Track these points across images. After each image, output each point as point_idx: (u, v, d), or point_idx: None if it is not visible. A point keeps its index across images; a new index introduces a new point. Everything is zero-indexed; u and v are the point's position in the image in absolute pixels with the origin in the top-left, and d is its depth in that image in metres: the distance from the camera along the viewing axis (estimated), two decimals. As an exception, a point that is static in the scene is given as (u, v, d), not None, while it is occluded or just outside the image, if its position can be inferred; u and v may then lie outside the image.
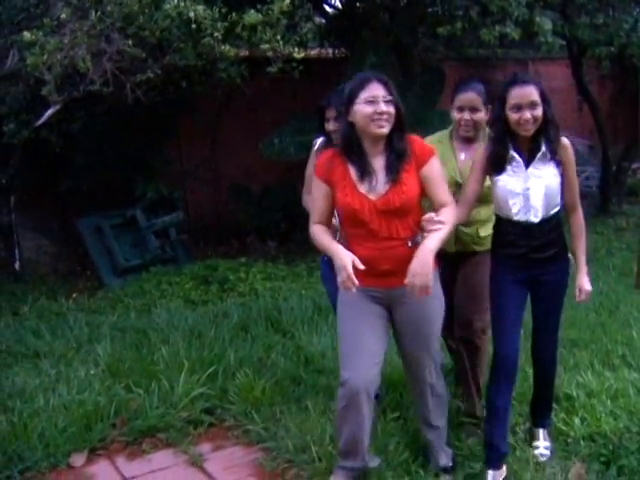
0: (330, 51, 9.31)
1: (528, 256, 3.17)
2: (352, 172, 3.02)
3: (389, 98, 2.93)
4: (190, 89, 6.71)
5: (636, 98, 7.09)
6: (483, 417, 3.45)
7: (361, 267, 2.87)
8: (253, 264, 7.34)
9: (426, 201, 3.11)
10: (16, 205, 7.60)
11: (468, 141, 3.53)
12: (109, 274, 7.53)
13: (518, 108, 3.01)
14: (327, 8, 8.92)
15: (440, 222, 2.89)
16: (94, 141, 7.66)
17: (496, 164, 3.14)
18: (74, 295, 6.97)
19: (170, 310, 6.00)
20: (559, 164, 3.11)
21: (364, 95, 2.92)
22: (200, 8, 5.36)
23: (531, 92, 3.02)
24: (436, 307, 3.13)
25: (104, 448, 3.80)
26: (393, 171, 2.96)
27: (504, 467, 3.20)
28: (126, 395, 4.14)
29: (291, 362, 4.59)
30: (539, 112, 3.02)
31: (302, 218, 3.63)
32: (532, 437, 3.49)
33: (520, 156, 3.12)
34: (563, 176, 3.14)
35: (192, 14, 5.34)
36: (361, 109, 2.92)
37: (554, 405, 3.69)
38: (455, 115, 3.48)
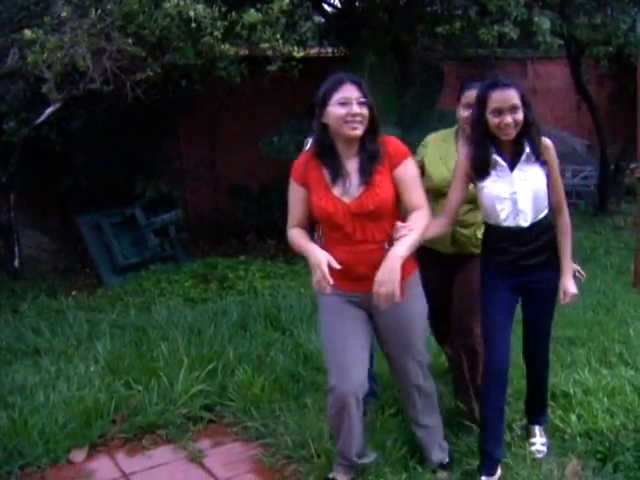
0: (329, 50, 9.34)
1: (518, 263, 3.13)
2: (326, 175, 2.99)
3: (362, 100, 2.89)
4: (190, 88, 6.73)
5: (634, 98, 7.12)
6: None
7: (337, 266, 2.84)
8: (252, 262, 7.36)
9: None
10: (16, 203, 7.62)
11: None
12: (108, 272, 7.56)
13: (499, 112, 2.95)
14: (326, 7, 8.94)
15: (409, 228, 2.86)
16: (94, 139, 7.68)
17: (479, 169, 3.07)
18: (74, 293, 7.00)
19: (169, 308, 6.02)
20: (544, 165, 3.06)
21: (337, 97, 2.88)
22: (200, 7, 5.38)
23: (512, 96, 2.95)
24: (417, 310, 3.10)
25: (104, 444, 3.82)
26: (366, 173, 2.93)
27: (498, 472, 3.20)
28: (126, 392, 4.16)
29: (290, 359, 4.61)
30: (520, 116, 2.97)
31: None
32: (528, 434, 3.51)
33: (504, 160, 3.06)
34: (548, 177, 3.09)
35: (192, 13, 5.36)
36: (334, 111, 2.89)
37: (551, 402, 3.72)
38: (461, 113, 3.41)
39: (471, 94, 3.32)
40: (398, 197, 3.00)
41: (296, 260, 7.50)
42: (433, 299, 3.44)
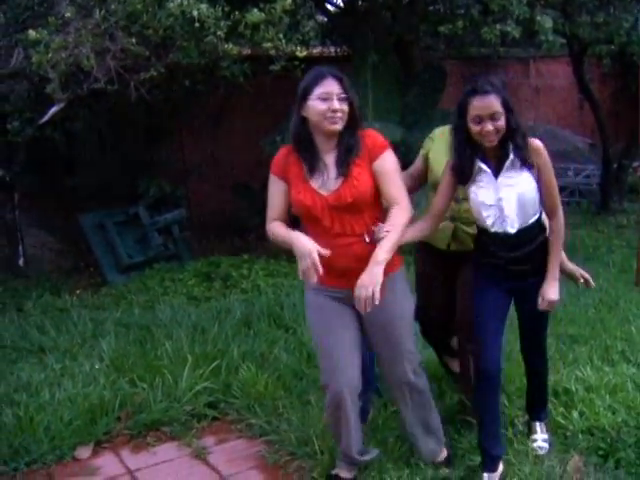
0: (332, 49, 9.35)
1: (507, 268, 3.09)
2: (304, 168, 2.98)
3: (343, 95, 2.88)
4: (193, 87, 6.76)
5: (637, 96, 7.13)
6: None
7: (326, 253, 2.81)
8: (255, 261, 7.38)
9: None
10: (20, 202, 7.68)
11: None
12: (112, 271, 7.58)
13: (479, 120, 2.88)
14: (329, 7, 8.95)
15: (388, 230, 2.85)
16: (97, 139, 7.71)
17: (461, 175, 3.03)
18: (78, 291, 7.03)
19: (173, 306, 6.04)
20: (532, 168, 2.97)
21: (318, 91, 2.87)
22: (203, 7, 5.39)
23: (492, 103, 2.86)
24: (403, 305, 3.08)
25: (109, 441, 3.86)
26: (343, 165, 2.91)
27: (500, 467, 3.20)
28: (130, 389, 4.19)
29: (293, 357, 4.63)
30: (502, 123, 2.88)
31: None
32: (530, 430, 3.52)
33: (488, 166, 3.00)
34: (539, 181, 2.99)
35: (195, 13, 5.37)
36: (315, 105, 2.87)
37: (553, 399, 3.74)
38: None
39: None
40: (378, 190, 2.97)
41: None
42: (435, 297, 3.46)
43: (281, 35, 5.69)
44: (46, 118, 6.48)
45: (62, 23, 5.65)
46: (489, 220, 3.04)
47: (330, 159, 2.96)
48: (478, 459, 3.26)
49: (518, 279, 3.12)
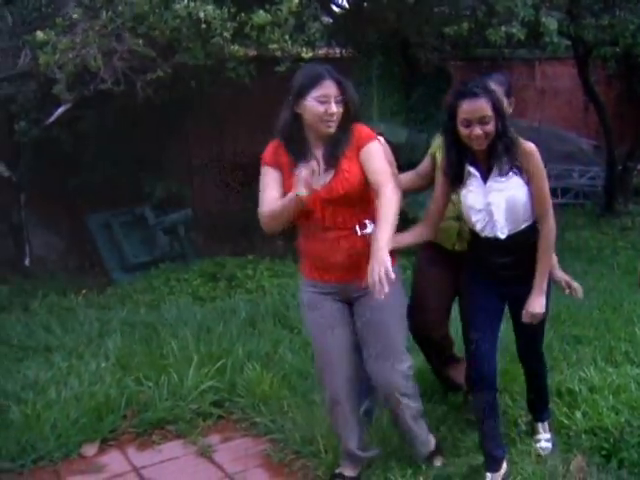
0: (338, 51, 9.36)
1: (499, 273, 3.04)
2: (295, 162, 2.95)
3: (340, 98, 2.88)
4: (199, 88, 6.79)
5: (642, 98, 7.18)
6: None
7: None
8: (260, 261, 7.39)
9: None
10: (26, 203, 7.71)
11: None
12: (118, 271, 7.63)
13: (468, 123, 2.83)
14: (334, 8, 8.96)
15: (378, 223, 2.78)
16: (104, 139, 7.74)
17: (452, 178, 3.00)
18: (83, 291, 7.05)
19: (179, 306, 6.07)
20: (522, 173, 2.90)
21: (316, 93, 2.86)
22: (210, 8, 5.43)
23: (481, 107, 2.81)
24: (396, 306, 3.04)
25: (115, 439, 3.89)
26: (332, 158, 2.91)
27: (503, 467, 3.19)
28: (136, 388, 4.21)
29: (298, 357, 4.65)
30: (491, 127, 2.83)
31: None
32: (533, 430, 3.53)
33: (478, 169, 2.95)
34: (529, 185, 2.92)
35: (202, 14, 5.41)
36: (312, 106, 2.87)
37: (556, 399, 3.75)
38: None
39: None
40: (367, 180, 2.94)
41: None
42: (433, 297, 3.45)
43: (287, 36, 5.71)
44: (53, 118, 6.54)
45: (69, 24, 5.70)
46: (479, 225, 3.00)
47: (320, 153, 2.96)
48: (481, 458, 3.27)
49: (511, 285, 3.06)
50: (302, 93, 2.89)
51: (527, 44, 8.47)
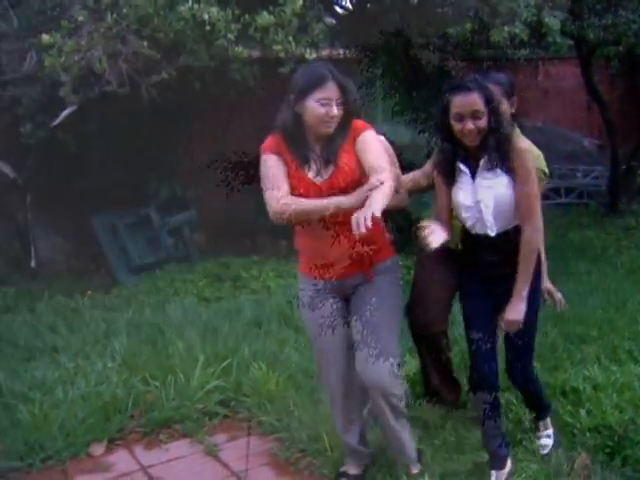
0: (341, 52, 9.38)
1: (489, 271, 3.02)
2: (295, 158, 2.97)
3: (341, 100, 2.89)
4: (203, 89, 6.81)
5: (645, 97, 7.18)
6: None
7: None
8: (265, 262, 7.43)
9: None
10: (32, 204, 7.73)
11: None
12: (123, 272, 7.65)
13: (460, 118, 2.81)
14: (338, 9, 8.99)
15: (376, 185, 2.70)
16: (109, 141, 7.77)
17: (445, 175, 2.98)
18: (89, 292, 7.06)
19: (184, 306, 6.09)
20: (510, 172, 2.86)
21: (319, 95, 2.86)
22: (214, 10, 5.46)
23: (474, 101, 2.79)
24: (391, 293, 3.07)
25: (122, 438, 3.92)
26: (332, 153, 2.93)
27: (507, 465, 3.20)
28: (143, 388, 4.25)
29: (304, 356, 4.65)
30: (483, 122, 2.80)
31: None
32: (535, 428, 3.55)
33: (468, 166, 2.92)
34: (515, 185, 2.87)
35: (206, 16, 5.44)
36: (313, 108, 2.88)
37: (561, 398, 3.78)
38: None
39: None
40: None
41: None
42: (434, 296, 3.47)
43: (290, 38, 5.74)
44: (58, 121, 6.57)
45: (75, 27, 5.73)
46: (469, 221, 2.99)
47: (319, 148, 2.98)
48: (486, 455, 3.29)
49: (500, 284, 2.99)
50: (304, 94, 2.90)
51: (530, 44, 8.49)
